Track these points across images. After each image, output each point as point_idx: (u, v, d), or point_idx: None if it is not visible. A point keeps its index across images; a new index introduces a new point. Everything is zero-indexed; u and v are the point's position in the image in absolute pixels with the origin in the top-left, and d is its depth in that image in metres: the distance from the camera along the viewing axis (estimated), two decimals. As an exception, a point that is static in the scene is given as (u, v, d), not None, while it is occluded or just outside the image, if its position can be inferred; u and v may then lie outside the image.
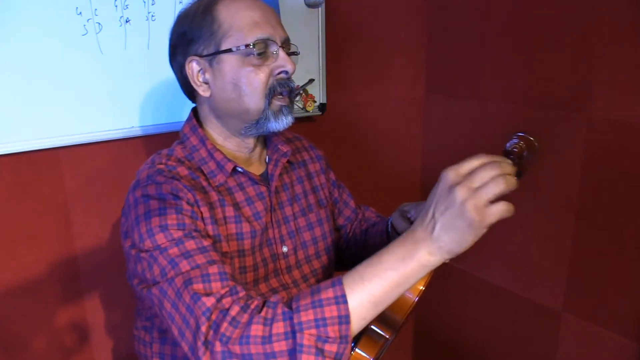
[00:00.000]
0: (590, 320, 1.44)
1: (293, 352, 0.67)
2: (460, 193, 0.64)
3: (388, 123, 1.76)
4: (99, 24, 1.13)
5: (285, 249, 1.00)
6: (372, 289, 0.69)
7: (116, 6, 1.14)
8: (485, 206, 0.64)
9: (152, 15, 1.19)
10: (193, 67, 0.91)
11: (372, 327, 0.81)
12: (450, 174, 0.66)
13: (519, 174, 0.82)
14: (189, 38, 0.91)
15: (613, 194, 1.34)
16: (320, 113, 1.53)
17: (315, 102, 1.51)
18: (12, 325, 1.18)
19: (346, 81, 1.61)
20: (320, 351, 0.67)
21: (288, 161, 1.05)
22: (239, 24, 0.88)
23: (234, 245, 0.91)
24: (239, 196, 0.95)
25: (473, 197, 0.64)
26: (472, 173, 0.65)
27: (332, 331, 0.67)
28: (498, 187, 0.63)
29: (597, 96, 1.32)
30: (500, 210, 0.64)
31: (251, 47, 0.87)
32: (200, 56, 0.90)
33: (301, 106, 1.48)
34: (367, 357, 0.81)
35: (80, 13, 1.10)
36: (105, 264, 1.27)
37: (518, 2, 1.46)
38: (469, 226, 0.64)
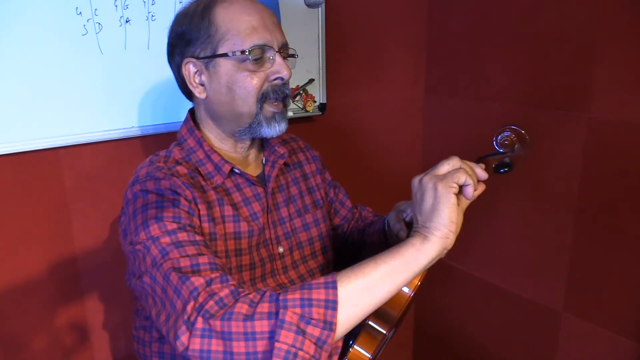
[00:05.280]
0: (590, 320, 1.44)
1: (273, 333, 0.66)
2: (426, 178, 0.75)
3: (388, 123, 1.76)
4: (99, 24, 1.13)
5: (281, 249, 1.00)
6: (367, 274, 0.70)
7: (116, 6, 1.14)
8: (450, 183, 0.73)
9: (152, 15, 1.19)
10: (190, 68, 0.92)
11: (370, 322, 0.80)
12: (416, 177, 0.77)
13: (510, 167, 0.83)
14: (187, 39, 0.91)
15: (613, 193, 1.34)
16: (320, 113, 1.53)
17: (315, 102, 1.51)
18: (12, 325, 1.18)
19: (346, 81, 1.61)
20: (301, 331, 0.65)
21: (284, 162, 1.05)
22: (236, 28, 0.88)
23: (232, 244, 0.91)
24: (236, 197, 0.95)
25: (438, 179, 0.74)
26: (431, 173, 0.76)
27: (316, 313, 0.66)
28: (461, 176, 0.73)
29: (597, 96, 1.32)
30: (462, 176, 0.73)
31: (247, 53, 0.87)
32: (197, 58, 0.90)
33: (301, 106, 1.48)
34: (366, 353, 0.80)
35: (80, 13, 1.11)
36: (105, 264, 1.28)
37: (518, 2, 1.46)
38: (441, 196, 0.72)
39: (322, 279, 0.70)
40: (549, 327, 1.54)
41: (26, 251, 1.17)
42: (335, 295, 0.67)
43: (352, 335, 0.83)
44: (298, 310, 0.66)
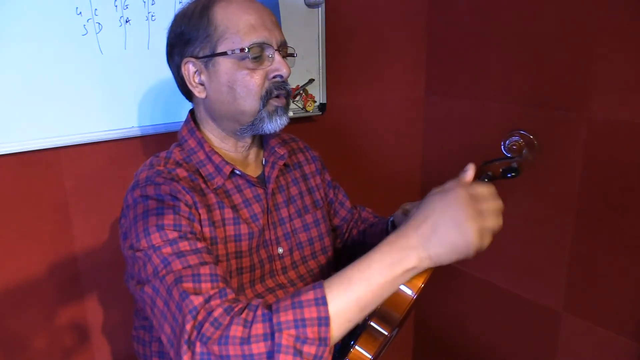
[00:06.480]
0: (590, 320, 1.44)
1: (271, 355, 0.66)
2: (471, 214, 0.69)
3: (388, 123, 1.76)
4: (99, 24, 1.13)
5: (280, 250, 1.00)
6: (359, 292, 0.70)
7: (116, 6, 1.14)
8: (486, 233, 0.70)
9: (152, 15, 1.19)
10: (189, 68, 0.91)
11: (372, 323, 0.80)
12: (463, 191, 0.71)
13: (517, 172, 0.82)
14: (186, 39, 0.91)
15: (613, 194, 1.34)
16: (320, 113, 1.53)
17: (315, 102, 1.51)
18: (12, 325, 1.18)
19: (346, 81, 1.61)
20: (298, 352, 0.66)
21: (284, 163, 1.05)
22: (234, 27, 0.88)
23: (232, 247, 0.91)
24: (237, 198, 0.95)
25: (480, 221, 0.69)
26: (481, 198, 0.71)
27: (311, 332, 0.67)
28: (498, 223, 0.71)
29: (597, 96, 1.32)
30: (490, 241, 0.71)
31: (246, 51, 0.87)
32: (197, 58, 0.90)
33: (301, 106, 1.48)
34: (367, 354, 0.80)
35: (80, 13, 1.11)
36: (105, 264, 1.28)
37: (518, 3, 1.46)
38: (465, 246, 0.70)
39: (311, 293, 0.69)
40: (549, 327, 1.54)
41: (26, 251, 1.17)
42: (327, 312, 0.68)
43: (354, 336, 0.83)
44: (293, 332, 0.67)
